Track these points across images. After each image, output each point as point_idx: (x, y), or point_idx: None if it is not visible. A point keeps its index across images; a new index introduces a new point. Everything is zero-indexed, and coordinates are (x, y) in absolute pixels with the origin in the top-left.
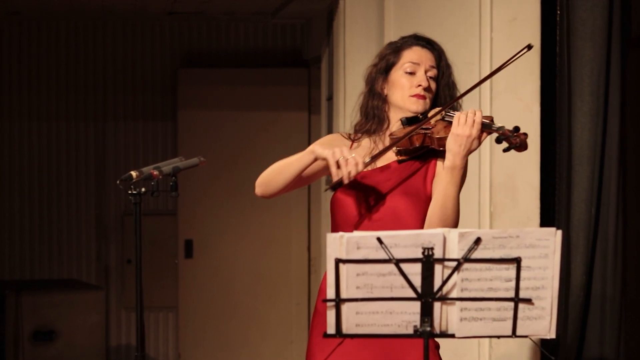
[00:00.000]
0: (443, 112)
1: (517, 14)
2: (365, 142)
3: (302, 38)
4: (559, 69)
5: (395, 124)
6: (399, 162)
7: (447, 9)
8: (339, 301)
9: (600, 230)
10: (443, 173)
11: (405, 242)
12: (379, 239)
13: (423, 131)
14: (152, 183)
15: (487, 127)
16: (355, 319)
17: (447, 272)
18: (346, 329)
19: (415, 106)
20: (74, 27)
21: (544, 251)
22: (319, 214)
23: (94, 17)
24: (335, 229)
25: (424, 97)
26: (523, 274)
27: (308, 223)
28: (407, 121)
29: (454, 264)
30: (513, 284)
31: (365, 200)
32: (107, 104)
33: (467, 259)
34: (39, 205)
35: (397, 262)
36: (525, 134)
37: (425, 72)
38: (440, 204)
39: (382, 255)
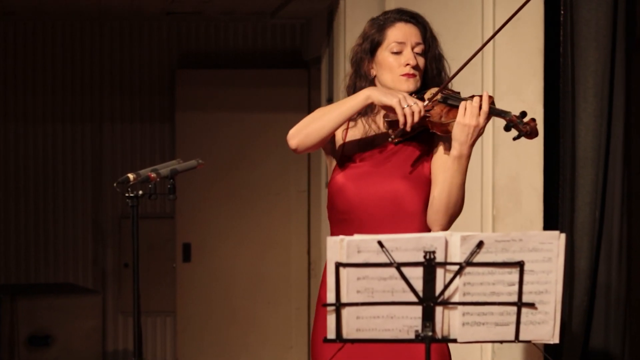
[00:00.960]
0: (440, 94)
1: (520, 14)
2: (360, 123)
3: (301, 38)
4: (562, 70)
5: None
6: (395, 143)
7: (449, 9)
8: (339, 305)
9: (605, 234)
10: (450, 161)
11: (407, 245)
12: (379, 243)
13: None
14: (150, 186)
15: (493, 113)
16: (356, 323)
17: (449, 276)
18: (346, 333)
19: (406, 85)
20: (69, 27)
21: (547, 255)
22: (319, 217)
23: (91, 18)
24: (334, 214)
25: (413, 75)
26: (526, 278)
27: (308, 226)
28: None
29: (456, 267)
30: (516, 288)
31: (364, 183)
32: (103, 106)
33: (469, 263)
34: (35, 208)
35: (398, 266)
36: (534, 120)
37: (412, 48)
38: (447, 193)
39: (383, 258)
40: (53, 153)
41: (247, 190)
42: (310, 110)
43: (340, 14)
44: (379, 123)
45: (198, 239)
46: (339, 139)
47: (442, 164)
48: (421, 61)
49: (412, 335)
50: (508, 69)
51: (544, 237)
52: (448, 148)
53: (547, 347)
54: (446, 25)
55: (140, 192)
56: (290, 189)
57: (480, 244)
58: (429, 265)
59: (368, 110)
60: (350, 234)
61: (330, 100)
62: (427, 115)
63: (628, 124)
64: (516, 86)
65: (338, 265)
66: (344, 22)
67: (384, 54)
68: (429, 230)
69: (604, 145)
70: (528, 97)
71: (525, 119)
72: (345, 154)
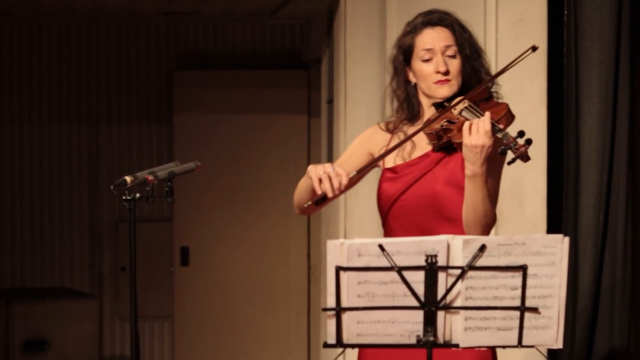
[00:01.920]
0: (465, 102)
1: (523, 14)
2: (401, 134)
3: (301, 39)
4: (566, 71)
5: (428, 111)
6: (434, 150)
7: (451, 9)
8: (339, 310)
9: (609, 237)
10: (466, 181)
11: (408, 249)
12: (380, 246)
13: (446, 125)
14: (147, 188)
15: (494, 132)
16: (357, 328)
17: (451, 280)
18: (347, 338)
19: (441, 92)
20: (65, 27)
21: (550, 258)
22: (319, 220)
23: (87, 18)
24: (383, 222)
25: (446, 81)
26: (529, 282)
27: (308, 229)
28: (438, 106)
29: (458, 271)
30: (519, 292)
31: (408, 190)
32: (100, 107)
33: (471, 267)
34: (30, 211)
35: (400, 270)
36: (528, 144)
37: (443, 53)
38: (471, 209)
39: (384, 262)
40: (49, 155)
41: (246, 193)
42: (310, 112)
43: (341, 14)
44: (410, 134)
45: (196, 242)
46: (379, 152)
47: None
48: (454, 64)
49: (413, 340)
50: (511, 70)
51: (547, 240)
52: None
53: (551, 352)
54: None
55: (138, 194)
56: (290, 192)
57: (482, 248)
58: (431, 269)
59: (413, 116)
60: None
61: (330, 102)
62: (450, 128)
63: (633, 125)
64: (519, 87)
65: (338, 269)
66: (345, 23)
67: (416, 63)
68: None
69: (608, 147)
70: (531, 99)
71: (520, 141)
72: (387, 167)
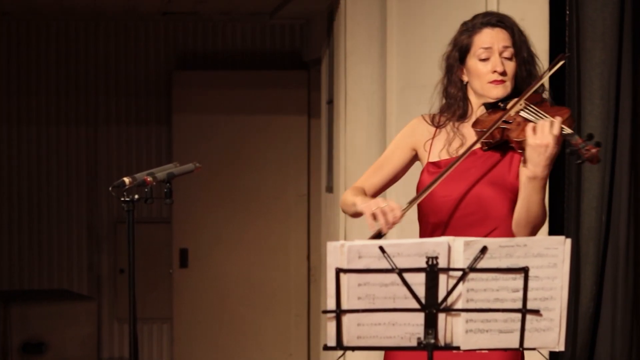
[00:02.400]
0: (522, 103)
1: (524, 14)
2: (448, 128)
3: (301, 39)
4: (568, 72)
5: (478, 110)
6: (484, 149)
7: (452, 9)
8: (339, 312)
9: (611, 239)
10: (525, 182)
11: (409, 251)
12: (381, 248)
13: (503, 125)
14: (146, 190)
15: (562, 135)
16: (357, 330)
17: (452, 282)
18: (347, 341)
19: (495, 92)
20: (64, 27)
21: (552, 260)
22: (319, 222)
23: (85, 18)
24: (422, 218)
25: (502, 82)
26: (531, 284)
27: (308, 230)
28: (489, 106)
29: (459, 273)
30: (520, 294)
31: (450, 187)
32: (98, 108)
33: (472, 269)
34: (28, 212)
35: (400, 272)
36: (597, 146)
37: (500, 54)
38: (526, 209)
39: (384, 264)
40: (47, 156)
41: (246, 195)
42: (310, 112)
43: (341, 14)
44: (463, 131)
45: (195, 244)
46: (425, 149)
47: (522, 180)
48: (510, 66)
49: (414, 343)
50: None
51: (549, 242)
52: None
53: (553, 355)
54: (449, 25)
55: (136, 196)
56: (290, 193)
57: (484, 250)
58: (432, 271)
59: (462, 115)
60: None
61: (330, 103)
62: (507, 127)
63: (635, 126)
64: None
65: (338, 270)
66: (345, 23)
67: (472, 61)
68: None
69: (610, 149)
70: None
71: (588, 145)
72: (431, 161)
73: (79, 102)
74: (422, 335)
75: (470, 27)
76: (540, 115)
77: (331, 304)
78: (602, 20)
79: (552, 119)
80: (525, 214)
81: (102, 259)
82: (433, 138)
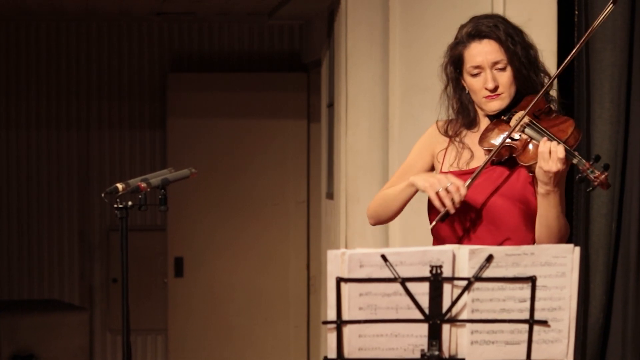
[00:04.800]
0: (526, 118)
1: (532, 14)
2: (457, 141)
3: (300, 40)
4: (577, 74)
5: (483, 120)
6: (492, 163)
7: (456, 9)
8: (340, 323)
9: (622, 247)
10: (540, 199)
11: (412, 259)
12: (383, 257)
13: (509, 143)
14: (140, 196)
15: (569, 158)
16: (358, 342)
17: (457, 291)
18: (348, 353)
19: (490, 106)
20: (55, 28)
21: (560, 269)
22: (319, 229)
23: (77, 18)
24: (435, 230)
25: (496, 96)
26: (538, 293)
27: (307, 239)
28: (492, 117)
29: (464, 283)
30: (527, 304)
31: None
32: (91, 111)
33: (478, 278)
34: (18, 220)
35: (403, 281)
36: (605, 173)
37: (491, 68)
38: (546, 226)
39: (386, 273)
40: (37, 161)
41: (243, 201)
42: (309, 116)
43: (342, 14)
44: (472, 143)
45: (191, 252)
46: (438, 159)
47: (538, 199)
48: (504, 77)
49: (417, 355)
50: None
51: (557, 250)
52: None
53: None
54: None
55: (130, 203)
56: (289, 200)
57: (489, 258)
58: (436, 280)
59: (469, 123)
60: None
61: (331, 106)
62: (514, 146)
63: None
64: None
65: (339, 280)
66: (346, 23)
67: (466, 77)
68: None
69: (620, 154)
70: None
71: (597, 172)
72: (444, 171)
73: (70, 106)
74: (425, 347)
75: (460, 39)
76: (545, 132)
77: (332, 315)
78: (612, 21)
79: (556, 139)
80: (547, 231)
81: (95, 267)
82: (446, 149)
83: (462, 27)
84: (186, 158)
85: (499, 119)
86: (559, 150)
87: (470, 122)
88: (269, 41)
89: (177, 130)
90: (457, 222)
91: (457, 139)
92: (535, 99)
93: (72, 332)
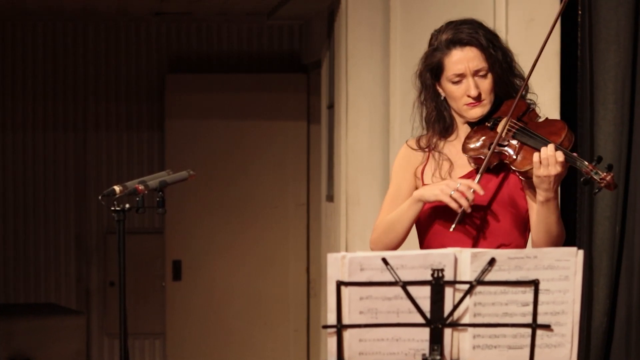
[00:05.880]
0: (512, 122)
1: (534, 14)
2: (436, 153)
3: (300, 40)
4: (580, 75)
5: (462, 127)
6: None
7: (458, 10)
8: (340, 327)
9: (626, 250)
10: (538, 206)
11: (413, 263)
12: (384, 260)
13: (498, 149)
14: (137, 199)
15: (569, 161)
16: (359, 346)
17: (459, 295)
18: (348, 357)
19: (472, 113)
20: (51, 28)
21: (564, 273)
22: (319, 232)
23: (74, 18)
24: (420, 239)
25: (477, 102)
26: (541, 297)
27: (307, 242)
28: (472, 125)
29: (466, 286)
30: (530, 308)
31: (451, 210)
32: (88, 113)
33: (480, 282)
34: (14, 223)
35: (404, 285)
36: (610, 173)
37: (473, 75)
38: (546, 231)
39: (387, 277)
40: (33, 163)
41: (242, 204)
42: (309, 117)
43: (342, 14)
44: (450, 152)
45: (189, 255)
46: (418, 175)
47: (532, 206)
48: (485, 84)
49: (419, 359)
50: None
51: (560, 253)
52: (532, 186)
53: None
54: None
55: (127, 205)
56: (289, 202)
57: (492, 262)
58: (437, 284)
59: (444, 132)
60: None
61: (331, 107)
62: (504, 152)
63: None
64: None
65: (339, 284)
66: (346, 23)
67: (446, 84)
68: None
69: (624, 155)
70: (543, 104)
71: (603, 174)
72: (425, 183)
73: (67, 107)
74: (427, 352)
75: (439, 46)
76: (538, 137)
77: (332, 319)
78: (617, 21)
79: (552, 143)
80: (547, 236)
81: (92, 271)
82: (425, 164)
83: (438, 32)
84: (184, 160)
85: (481, 125)
86: (558, 155)
87: (446, 130)
88: (269, 42)
89: (176, 132)
90: (445, 230)
91: (435, 151)
92: (515, 102)
93: (69, 337)
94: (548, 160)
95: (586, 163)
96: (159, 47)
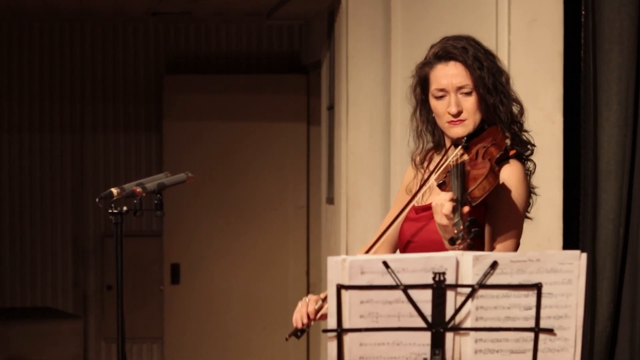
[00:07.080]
0: (458, 155)
1: (537, 14)
2: (429, 167)
3: (300, 41)
4: (583, 76)
5: (449, 144)
6: (440, 186)
7: (460, 10)
8: (340, 331)
9: (630, 253)
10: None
11: (414, 266)
12: (385, 263)
13: (448, 176)
14: (135, 201)
15: (454, 215)
16: (359, 351)
17: (461, 299)
18: None
19: (452, 132)
20: (48, 29)
21: (567, 276)
22: (319, 235)
23: (71, 18)
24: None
25: (459, 121)
26: (544, 301)
27: (307, 245)
28: (456, 144)
29: (468, 290)
30: (533, 312)
31: (418, 234)
32: (85, 114)
33: (482, 285)
34: (10, 225)
35: (405, 289)
36: (468, 241)
37: (457, 92)
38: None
39: (388, 280)
40: (30, 165)
41: (241, 206)
42: (309, 119)
43: (342, 14)
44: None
45: (187, 259)
46: (409, 191)
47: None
48: (468, 102)
49: None
50: (524, 74)
51: (563, 257)
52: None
53: None
54: (457, 26)
55: (125, 208)
56: (288, 205)
57: (494, 265)
58: (439, 287)
59: (437, 146)
60: None
61: (331, 109)
62: (446, 178)
63: None
64: (533, 93)
65: (340, 287)
66: (346, 24)
67: (431, 100)
68: None
69: (628, 157)
70: (546, 105)
71: (463, 237)
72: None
73: (64, 108)
74: (428, 356)
75: (427, 59)
76: (456, 180)
77: (332, 323)
78: (620, 21)
79: (459, 190)
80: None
81: (89, 274)
82: (414, 179)
83: (432, 46)
84: (183, 162)
85: (460, 145)
86: (446, 207)
87: (437, 145)
88: (268, 42)
89: (174, 134)
90: (418, 246)
91: (421, 166)
92: (481, 136)
93: (66, 341)
94: (435, 208)
95: (460, 226)
96: (157, 48)
